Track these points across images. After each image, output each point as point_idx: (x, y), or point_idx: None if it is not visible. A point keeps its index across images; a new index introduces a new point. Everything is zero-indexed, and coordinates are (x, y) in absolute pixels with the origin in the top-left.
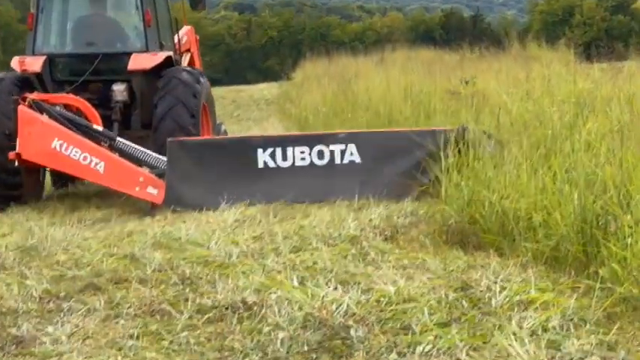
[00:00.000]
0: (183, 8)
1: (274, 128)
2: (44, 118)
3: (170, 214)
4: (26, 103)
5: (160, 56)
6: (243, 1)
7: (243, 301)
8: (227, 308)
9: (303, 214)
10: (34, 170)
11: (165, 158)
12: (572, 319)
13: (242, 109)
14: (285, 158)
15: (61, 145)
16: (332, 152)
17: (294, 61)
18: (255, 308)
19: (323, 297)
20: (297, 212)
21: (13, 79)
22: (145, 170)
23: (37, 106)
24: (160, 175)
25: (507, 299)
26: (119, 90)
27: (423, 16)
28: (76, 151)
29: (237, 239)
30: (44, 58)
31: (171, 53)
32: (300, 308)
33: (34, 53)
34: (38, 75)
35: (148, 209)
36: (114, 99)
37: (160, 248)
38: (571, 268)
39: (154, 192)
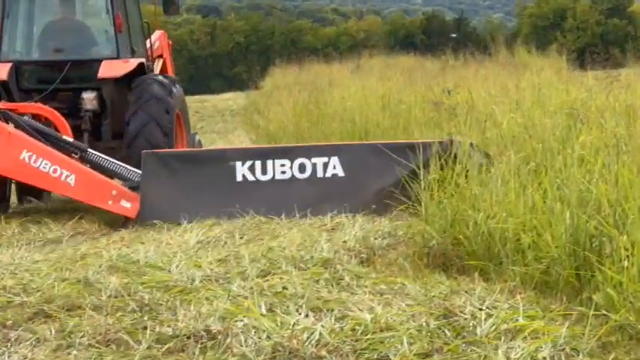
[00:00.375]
0: (155, 12)
1: (240, 142)
2: (12, 128)
3: (127, 234)
4: None
5: (132, 63)
6: (208, 3)
7: (207, 330)
8: (189, 337)
9: (271, 234)
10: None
11: (138, 171)
12: (563, 349)
13: (206, 121)
14: (264, 172)
15: (30, 157)
16: (314, 165)
17: (262, 69)
18: (219, 337)
19: (293, 325)
20: (264, 233)
21: None
22: (118, 183)
23: (4, 116)
24: (134, 188)
25: (494, 327)
26: (89, 98)
27: (403, 19)
28: (45, 164)
29: (200, 262)
30: (10, 65)
31: (143, 60)
32: (269, 337)
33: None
34: (4, 83)
35: (121, 223)
36: (83, 108)
37: (117, 272)
38: (562, 293)
39: (128, 205)
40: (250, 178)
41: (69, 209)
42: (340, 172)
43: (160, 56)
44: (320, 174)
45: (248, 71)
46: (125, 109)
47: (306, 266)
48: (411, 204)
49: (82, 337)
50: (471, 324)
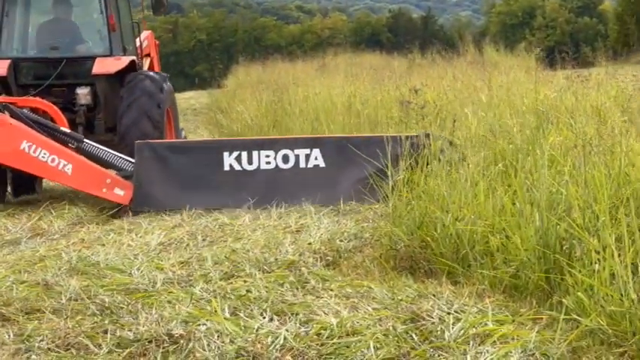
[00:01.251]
0: (143, 12)
1: None
2: (12, 120)
3: (87, 236)
4: None
5: (124, 61)
6: None
7: (169, 334)
8: (150, 342)
9: (234, 236)
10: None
11: (132, 160)
12: (533, 354)
13: None
14: (250, 162)
15: (29, 147)
16: (297, 156)
17: (225, 67)
18: (181, 342)
19: (257, 329)
20: (228, 234)
21: None
22: (112, 172)
23: (4, 109)
24: (127, 177)
25: (462, 332)
26: (83, 94)
27: (369, 17)
28: (44, 153)
29: (162, 265)
30: (9, 61)
31: (134, 58)
32: (232, 341)
33: None
34: (3, 79)
35: (115, 211)
36: (78, 102)
37: (76, 274)
38: (532, 297)
39: (121, 193)
40: (237, 167)
41: (27, 210)
42: (322, 163)
43: (148, 55)
44: (302, 164)
45: (211, 69)
46: (117, 103)
47: (271, 269)
48: (378, 205)
49: (41, 340)
50: (438, 328)
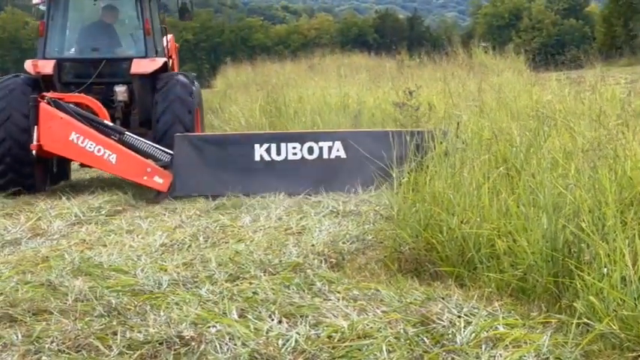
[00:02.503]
0: (164, 18)
1: None
2: (62, 113)
3: (88, 236)
4: (45, 101)
5: (159, 62)
6: None
7: (179, 336)
8: (161, 343)
9: (236, 238)
10: (44, 162)
11: (168, 151)
12: (547, 358)
13: None
14: (279, 153)
15: (77, 138)
16: (321, 148)
17: (212, 67)
18: (192, 344)
19: (267, 331)
20: (229, 236)
21: (24, 80)
22: (151, 162)
23: (54, 104)
24: (164, 167)
25: (474, 335)
26: (120, 91)
27: (355, 17)
28: (90, 144)
29: (165, 266)
30: (54, 62)
31: (165, 59)
32: (244, 344)
33: (44, 57)
34: (48, 77)
35: (153, 197)
36: (116, 99)
37: (80, 275)
38: (540, 300)
39: (160, 181)
40: (267, 158)
41: (25, 210)
42: (343, 154)
43: (170, 57)
44: (325, 155)
45: (198, 69)
46: (150, 101)
47: (276, 271)
48: (379, 206)
49: (51, 342)
50: (450, 332)
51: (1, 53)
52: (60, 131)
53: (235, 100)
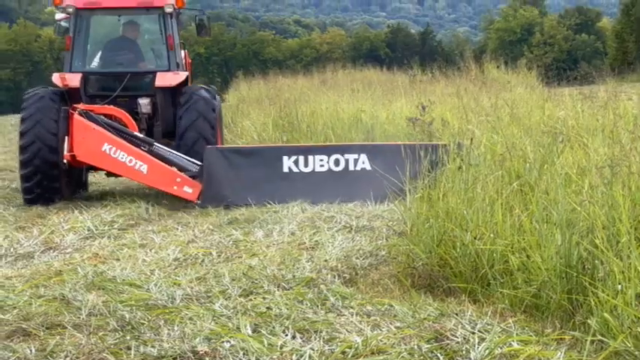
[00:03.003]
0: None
1: None
2: (94, 125)
3: (100, 250)
4: (77, 112)
5: (182, 75)
6: None
7: (193, 351)
8: (175, 358)
9: (249, 253)
10: (71, 171)
11: (197, 162)
12: None
13: None
14: (306, 165)
15: (110, 149)
16: (347, 160)
17: (224, 81)
18: (207, 359)
19: (281, 347)
20: (242, 251)
21: (51, 93)
22: (181, 172)
23: (85, 115)
24: (193, 177)
25: (488, 352)
26: (144, 104)
27: (367, 32)
28: (123, 155)
29: (179, 280)
30: (80, 75)
31: (187, 73)
32: (259, 359)
33: (71, 71)
34: (74, 89)
35: (182, 205)
36: (140, 111)
37: (94, 289)
38: (554, 317)
39: (190, 191)
40: (295, 169)
41: (38, 223)
42: (368, 167)
43: (185, 70)
44: (352, 167)
45: (210, 83)
46: (171, 113)
47: (289, 286)
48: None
49: (64, 356)
50: (464, 348)
51: (14, 66)
52: (93, 142)
53: (248, 114)
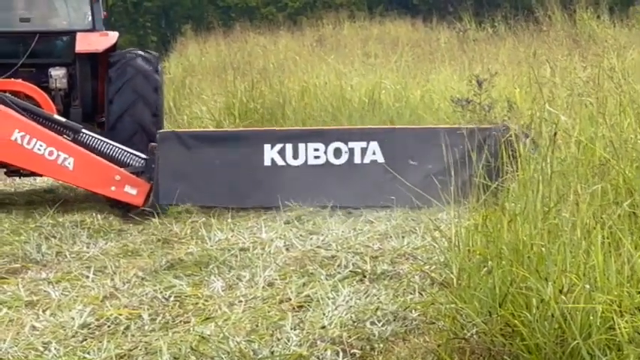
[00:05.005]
0: None
1: None
2: (1, 106)
3: None
4: None
5: (112, 37)
6: None
7: None
8: None
9: (202, 315)
10: None
11: (141, 155)
12: None
13: None
14: (296, 156)
15: (22, 138)
16: (351, 151)
17: (162, 41)
18: None
19: None
20: (190, 312)
21: None
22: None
23: None
24: (137, 173)
25: None
26: (59, 76)
27: None
28: (40, 145)
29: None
30: None
31: (117, 34)
32: None
33: None
34: None
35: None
36: (53, 86)
37: None
38: None
39: (133, 192)
40: (280, 162)
41: None
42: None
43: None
44: (357, 160)
45: (138, 45)
46: (91, 88)
47: None
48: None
49: None
50: None
51: None
52: None
53: (199, 93)
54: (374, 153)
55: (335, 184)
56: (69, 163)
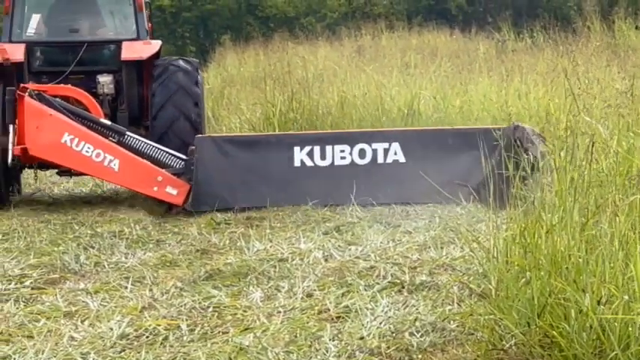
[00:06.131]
0: None
1: None
2: (52, 110)
3: (4, 322)
4: (27, 94)
5: (154, 45)
6: None
7: None
8: None
9: (240, 325)
10: (11, 170)
11: (182, 156)
12: None
13: None
14: (323, 157)
15: (72, 140)
16: (374, 151)
17: (200, 52)
18: None
19: None
20: (229, 322)
21: None
22: (162, 169)
23: (38, 98)
24: (178, 174)
25: None
26: (106, 82)
27: None
28: (88, 147)
29: None
30: (24, 46)
31: (160, 42)
32: None
33: (11, 40)
34: (15, 65)
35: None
36: (100, 92)
37: None
38: None
39: (174, 192)
40: (309, 163)
41: None
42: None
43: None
44: (380, 160)
45: (178, 55)
46: (137, 93)
47: None
48: (468, 275)
49: None
50: None
51: None
52: (50, 132)
53: (237, 104)
54: (395, 153)
55: (360, 182)
56: (114, 165)
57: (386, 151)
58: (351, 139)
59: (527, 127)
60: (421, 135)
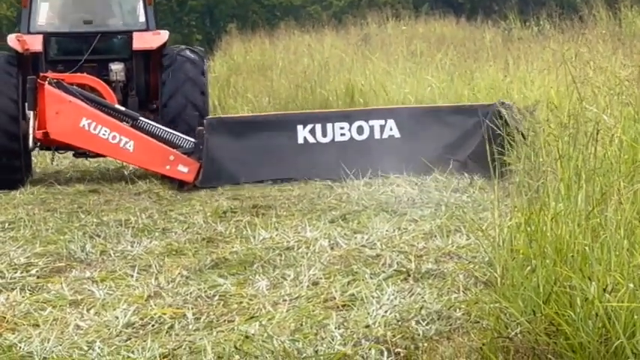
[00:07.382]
0: None
1: None
2: (70, 97)
3: (10, 310)
4: (46, 82)
5: (163, 36)
6: None
7: None
8: None
9: (245, 313)
10: (29, 153)
11: (188, 137)
12: None
13: None
14: (325, 134)
15: (89, 124)
16: (372, 128)
17: (206, 40)
18: None
19: None
20: (234, 311)
21: (7, 59)
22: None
23: (58, 86)
24: (188, 154)
25: None
26: (118, 70)
27: None
28: (105, 130)
29: (134, 359)
30: (41, 36)
31: (168, 32)
32: None
33: (29, 31)
34: (35, 54)
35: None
36: (112, 79)
37: None
38: None
39: (185, 170)
40: (311, 140)
41: None
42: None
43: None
44: (377, 136)
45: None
46: (145, 80)
47: None
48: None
49: None
50: None
51: None
52: (69, 117)
53: (244, 93)
54: (391, 129)
55: (358, 156)
56: (130, 146)
57: (382, 128)
58: (350, 117)
59: (513, 105)
60: (414, 112)
